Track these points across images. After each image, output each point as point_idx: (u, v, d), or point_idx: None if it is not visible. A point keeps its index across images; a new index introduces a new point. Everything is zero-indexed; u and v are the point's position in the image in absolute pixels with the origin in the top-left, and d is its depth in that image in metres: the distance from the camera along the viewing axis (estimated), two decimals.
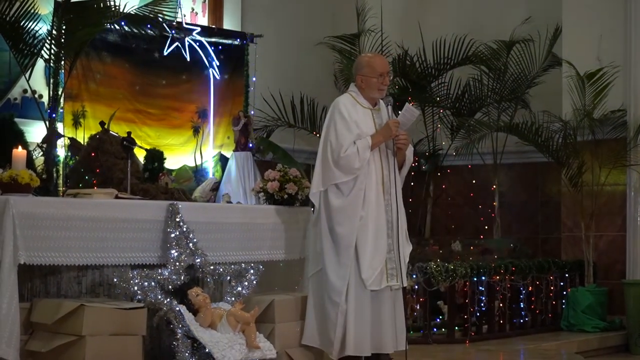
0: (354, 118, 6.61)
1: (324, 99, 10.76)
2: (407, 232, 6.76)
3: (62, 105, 8.35)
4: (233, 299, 6.47)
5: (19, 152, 6.11)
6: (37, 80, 8.36)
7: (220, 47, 9.83)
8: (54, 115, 8.02)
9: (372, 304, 6.57)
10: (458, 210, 11.49)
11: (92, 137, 8.38)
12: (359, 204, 6.53)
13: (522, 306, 9.28)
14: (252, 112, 9.92)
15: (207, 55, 9.68)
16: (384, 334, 6.59)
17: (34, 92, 8.22)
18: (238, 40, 10.00)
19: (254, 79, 10.03)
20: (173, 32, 9.19)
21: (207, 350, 5.98)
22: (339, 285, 6.50)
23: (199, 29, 9.61)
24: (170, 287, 6.13)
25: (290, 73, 10.67)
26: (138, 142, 8.22)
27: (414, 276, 8.51)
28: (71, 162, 8.36)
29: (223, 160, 9.68)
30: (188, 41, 9.46)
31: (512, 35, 10.77)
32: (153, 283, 6.01)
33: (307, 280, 7.00)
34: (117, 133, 8.45)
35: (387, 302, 6.60)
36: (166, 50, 9.31)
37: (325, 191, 6.61)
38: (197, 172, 9.53)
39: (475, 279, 8.72)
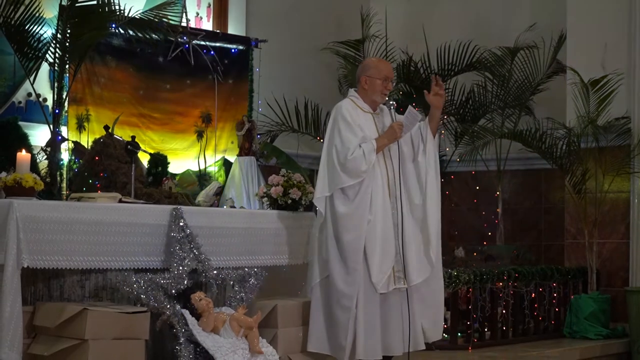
0: (357, 122, 6.61)
1: (328, 104, 10.70)
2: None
3: (66, 109, 8.35)
4: (236, 303, 6.47)
5: (23, 155, 6.12)
6: (42, 84, 8.35)
7: (224, 52, 9.83)
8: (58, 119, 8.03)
9: (381, 307, 6.57)
10: (461, 216, 11.47)
11: (96, 141, 8.37)
12: (366, 208, 6.52)
13: (525, 313, 9.27)
14: (256, 117, 9.92)
15: (212, 60, 9.68)
16: (392, 337, 6.60)
17: (38, 95, 8.22)
18: (242, 45, 10.00)
19: (258, 84, 10.03)
20: (178, 36, 9.19)
21: (210, 354, 5.99)
22: (348, 290, 6.49)
23: (203, 33, 9.61)
24: (173, 291, 6.13)
25: (295, 78, 10.67)
26: (142, 146, 8.22)
27: None
28: (75, 165, 8.36)
29: (227, 165, 9.67)
30: (193, 46, 9.46)
31: (517, 41, 10.76)
32: (156, 287, 6.01)
33: (312, 286, 6.99)
34: (121, 137, 8.45)
35: (395, 305, 6.60)
36: (170, 55, 9.30)
37: (331, 198, 6.58)
38: (201, 177, 9.53)
39: (478, 286, 8.70)
